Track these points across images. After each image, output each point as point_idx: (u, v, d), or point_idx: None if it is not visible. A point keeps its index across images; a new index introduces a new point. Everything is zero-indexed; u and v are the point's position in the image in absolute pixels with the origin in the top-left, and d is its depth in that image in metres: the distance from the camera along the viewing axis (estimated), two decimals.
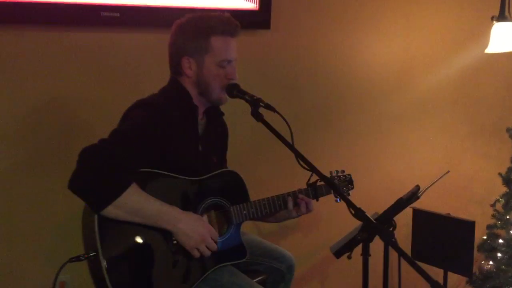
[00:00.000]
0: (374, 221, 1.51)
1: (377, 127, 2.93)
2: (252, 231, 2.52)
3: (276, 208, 1.95)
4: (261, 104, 1.72)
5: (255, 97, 1.74)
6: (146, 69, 2.43)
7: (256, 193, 1.95)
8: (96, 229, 1.58)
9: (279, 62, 2.69)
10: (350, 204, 1.52)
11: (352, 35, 2.81)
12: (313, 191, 2.02)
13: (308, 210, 1.98)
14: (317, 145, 2.78)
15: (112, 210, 1.57)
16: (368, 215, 1.51)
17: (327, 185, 1.90)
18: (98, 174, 1.55)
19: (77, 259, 1.62)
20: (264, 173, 2.67)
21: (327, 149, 2.82)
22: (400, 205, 2.00)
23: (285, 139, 1.68)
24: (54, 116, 2.36)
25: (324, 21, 2.75)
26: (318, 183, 2.02)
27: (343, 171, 2.19)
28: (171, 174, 1.74)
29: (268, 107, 1.71)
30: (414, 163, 2.98)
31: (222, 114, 2.00)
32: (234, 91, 1.80)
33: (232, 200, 1.87)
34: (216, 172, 1.87)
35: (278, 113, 1.71)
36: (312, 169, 1.64)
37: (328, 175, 2.11)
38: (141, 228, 1.64)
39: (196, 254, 1.69)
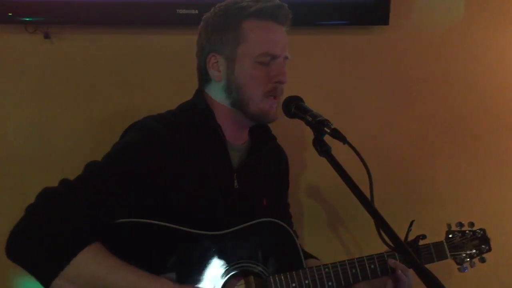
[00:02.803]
0: None
1: None
2: None
3: (348, 280, 1.40)
4: (326, 129, 1.21)
5: (319, 118, 1.23)
6: None
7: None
8: None
9: (398, 67, 2.26)
10: None
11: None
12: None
13: (404, 284, 1.39)
14: (442, 180, 2.26)
15: (63, 286, 1.14)
16: None
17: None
18: (39, 233, 1.14)
19: None
20: (329, 224, 2.18)
21: (457, 186, 2.27)
22: None
23: (361, 192, 1.15)
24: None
25: (467, 14, 2.25)
26: (422, 241, 1.44)
27: (471, 224, 1.60)
28: (173, 226, 1.25)
29: (335, 134, 1.20)
30: None
31: (273, 138, 1.52)
32: (292, 107, 1.30)
33: (274, 265, 1.35)
34: (251, 223, 1.35)
35: (349, 144, 1.19)
36: (400, 247, 1.06)
37: (446, 229, 1.57)
38: None
39: None
